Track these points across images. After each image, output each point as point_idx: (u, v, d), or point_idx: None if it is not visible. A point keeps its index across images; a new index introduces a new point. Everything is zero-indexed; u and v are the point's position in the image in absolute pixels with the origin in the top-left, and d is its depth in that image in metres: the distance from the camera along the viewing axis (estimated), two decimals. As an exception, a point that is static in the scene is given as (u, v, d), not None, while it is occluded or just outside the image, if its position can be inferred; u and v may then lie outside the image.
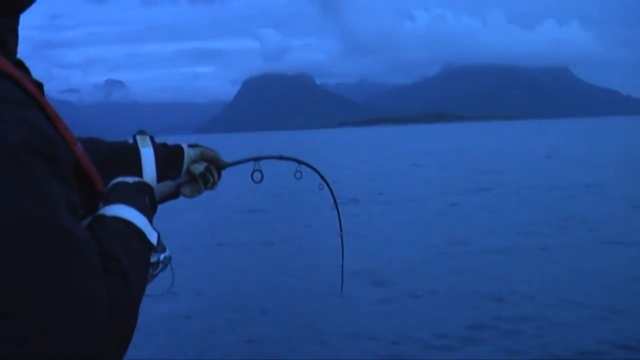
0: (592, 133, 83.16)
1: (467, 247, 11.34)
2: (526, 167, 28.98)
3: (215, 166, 1.49)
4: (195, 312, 8.00)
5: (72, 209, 0.88)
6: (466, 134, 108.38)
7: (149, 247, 1.09)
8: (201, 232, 13.99)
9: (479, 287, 8.59)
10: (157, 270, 1.18)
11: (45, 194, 0.83)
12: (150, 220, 1.12)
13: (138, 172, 1.32)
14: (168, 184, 1.36)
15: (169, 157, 1.41)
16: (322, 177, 1.67)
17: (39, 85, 0.97)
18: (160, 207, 1.28)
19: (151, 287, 1.15)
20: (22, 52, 1.02)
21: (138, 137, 1.39)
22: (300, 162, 1.62)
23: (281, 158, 1.61)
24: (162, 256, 1.18)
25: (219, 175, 1.51)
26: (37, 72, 1.03)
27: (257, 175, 1.56)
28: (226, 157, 1.55)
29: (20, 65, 0.98)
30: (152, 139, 1.40)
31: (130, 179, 1.18)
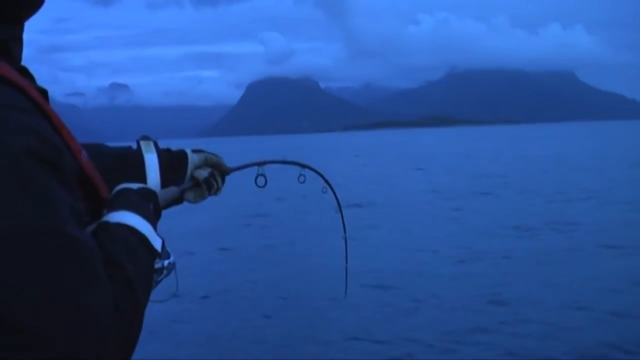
0: (597, 137, 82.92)
1: (469, 251, 11.32)
2: (530, 171, 28.91)
3: (219, 172, 1.49)
4: (199, 316, 8.01)
5: (77, 217, 0.88)
6: (470, 138, 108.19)
7: (153, 254, 1.09)
8: (205, 237, 13.98)
9: (482, 290, 8.58)
10: (162, 277, 1.18)
11: (50, 202, 0.83)
12: (154, 226, 1.12)
13: (142, 178, 1.33)
14: (172, 190, 1.36)
15: (172, 163, 1.41)
16: (326, 181, 1.66)
17: (44, 92, 0.98)
18: (164, 212, 1.28)
19: (155, 292, 1.15)
20: (27, 55, 1.02)
21: (142, 143, 1.39)
22: (303, 166, 1.61)
23: (284, 162, 1.61)
24: (166, 262, 1.18)
25: (223, 181, 1.51)
26: (42, 76, 1.03)
27: (260, 180, 1.56)
28: (230, 161, 1.55)
29: (25, 72, 0.99)
30: (156, 144, 1.40)
31: (134, 185, 1.18)
